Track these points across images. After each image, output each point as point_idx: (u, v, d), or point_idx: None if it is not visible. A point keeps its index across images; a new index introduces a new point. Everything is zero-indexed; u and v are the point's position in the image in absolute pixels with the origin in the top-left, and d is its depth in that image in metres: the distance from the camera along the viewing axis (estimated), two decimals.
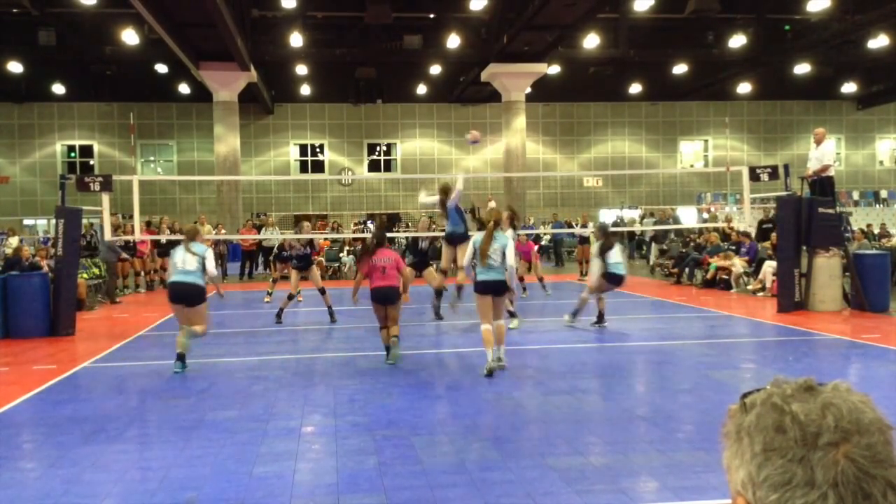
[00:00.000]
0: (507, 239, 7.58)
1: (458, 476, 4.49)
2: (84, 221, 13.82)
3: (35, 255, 12.06)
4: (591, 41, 26.38)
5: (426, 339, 9.91)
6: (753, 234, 16.63)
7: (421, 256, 11.87)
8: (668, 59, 29.15)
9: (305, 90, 32.13)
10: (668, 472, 4.53)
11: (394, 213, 32.98)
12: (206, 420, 5.87)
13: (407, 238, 15.03)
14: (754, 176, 12.54)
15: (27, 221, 32.43)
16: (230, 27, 20.26)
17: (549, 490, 4.24)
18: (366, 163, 34.64)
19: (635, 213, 31.25)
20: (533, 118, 32.34)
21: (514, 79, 26.74)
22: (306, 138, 34.23)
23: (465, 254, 8.10)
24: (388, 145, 34.84)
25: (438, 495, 4.19)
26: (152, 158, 34.35)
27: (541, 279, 14.27)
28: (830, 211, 11.95)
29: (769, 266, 13.79)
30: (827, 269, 11.70)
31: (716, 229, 17.67)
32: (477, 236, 7.95)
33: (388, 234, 10.62)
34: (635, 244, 25.65)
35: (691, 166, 36.24)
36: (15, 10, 24.07)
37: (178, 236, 11.49)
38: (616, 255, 10.10)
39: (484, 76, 27.28)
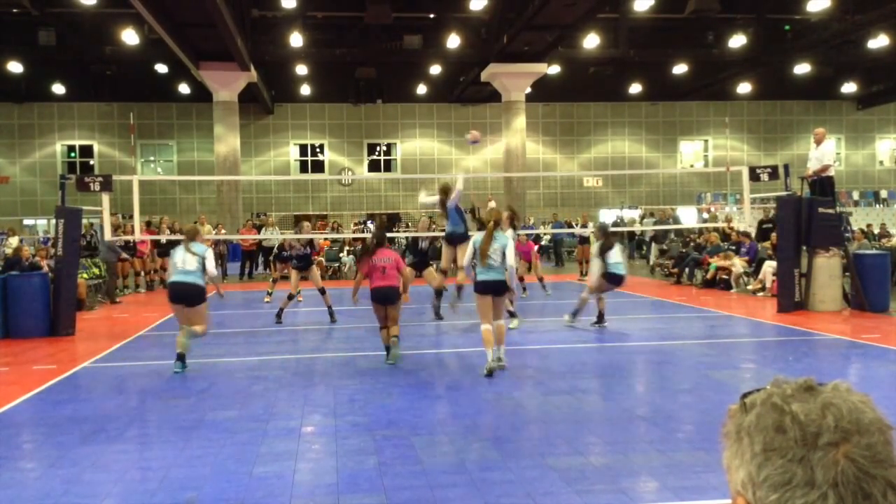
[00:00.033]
0: (507, 239, 7.58)
1: (458, 476, 4.49)
2: (84, 221, 13.82)
3: (35, 255, 12.06)
4: (591, 41, 26.38)
5: (426, 339, 9.91)
6: (753, 234, 16.63)
7: (421, 256, 11.87)
8: (668, 59, 29.15)
9: (305, 90, 32.13)
10: (668, 472, 4.53)
11: (394, 213, 32.97)
12: (206, 420, 5.87)
13: (407, 238, 15.03)
14: (754, 176, 12.54)
15: (27, 221, 32.43)
16: (230, 27, 20.26)
17: (549, 490, 4.24)
18: (366, 163, 34.64)
19: (635, 213, 31.24)
20: (533, 118, 32.34)
21: (514, 79, 26.73)
22: (306, 138, 34.23)
23: (465, 254, 8.10)
24: (388, 145, 34.84)
25: (438, 495, 4.18)
26: (152, 158, 34.35)
27: (541, 279, 14.27)
28: (830, 211, 11.95)
29: (769, 266, 13.79)
30: (827, 269, 11.70)
31: (716, 229, 17.66)
32: (477, 236, 7.94)
33: (388, 234, 10.63)
34: (635, 244, 25.64)
35: (691, 166, 36.23)
36: (15, 10, 24.07)
37: (178, 236, 11.49)
38: (616, 255, 10.10)
39: (484, 76, 27.27)
